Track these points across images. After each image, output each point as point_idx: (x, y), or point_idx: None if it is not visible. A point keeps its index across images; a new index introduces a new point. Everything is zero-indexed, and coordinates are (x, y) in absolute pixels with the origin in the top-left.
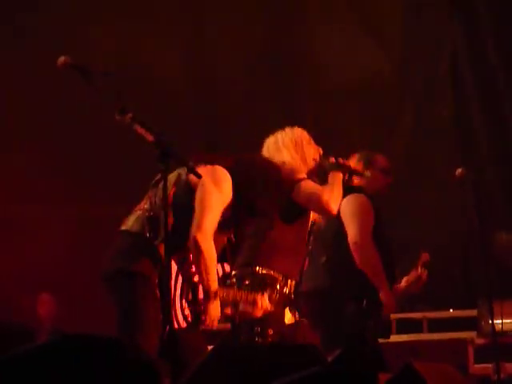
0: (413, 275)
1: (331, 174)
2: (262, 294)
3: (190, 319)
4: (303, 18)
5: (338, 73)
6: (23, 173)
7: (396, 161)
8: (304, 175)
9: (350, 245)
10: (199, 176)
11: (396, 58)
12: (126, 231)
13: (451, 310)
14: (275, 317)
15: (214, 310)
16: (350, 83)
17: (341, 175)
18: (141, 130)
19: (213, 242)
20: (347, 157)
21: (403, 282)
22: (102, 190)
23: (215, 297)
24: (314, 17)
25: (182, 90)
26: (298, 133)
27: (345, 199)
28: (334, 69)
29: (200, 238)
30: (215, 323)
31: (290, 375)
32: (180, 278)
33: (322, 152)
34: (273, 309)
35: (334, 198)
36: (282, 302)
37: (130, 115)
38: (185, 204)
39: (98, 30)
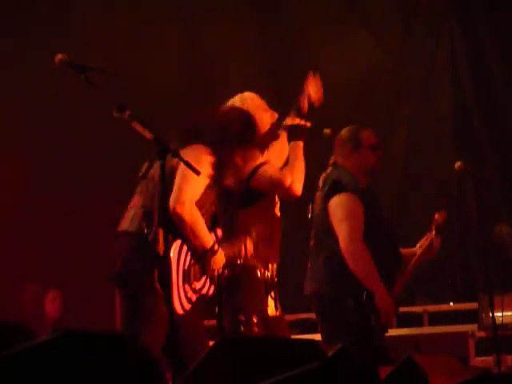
0: (426, 239)
1: (291, 144)
2: None
3: (194, 300)
4: (302, 17)
5: (337, 68)
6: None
7: (395, 155)
8: (261, 160)
9: (342, 251)
10: (198, 173)
11: (395, 53)
12: (126, 232)
13: (451, 304)
14: (258, 304)
15: (218, 258)
16: (349, 77)
17: (301, 144)
18: (139, 128)
19: (195, 210)
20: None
21: (417, 247)
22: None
23: (214, 251)
24: (313, 15)
25: (180, 90)
26: (249, 100)
27: (332, 201)
28: (333, 63)
29: (179, 208)
30: (220, 270)
31: (290, 370)
32: (180, 264)
33: (277, 116)
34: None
35: (297, 178)
36: (263, 289)
37: (128, 112)
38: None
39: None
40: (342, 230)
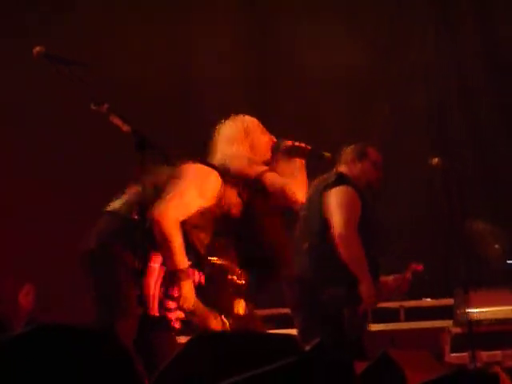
0: (400, 278)
1: (292, 161)
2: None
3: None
4: (287, 12)
5: (315, 63)
6: None
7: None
8: (264, 167)
9: (335, 236)
10: (176, 164)
11: (373, 49)
12: (113, 212)
13: (428, 300)
14: (230, 306)
15: (187, 289)
16: (326, 74)
17: (302, 161)
18: (117, 121)
19: (177, 227)
20: (335, 149)
21: (392, 280)
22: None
23: (186, 277)
24: (289, 14)
25: (168, 90)
26: (248, 123)
27: (333, 190)
28: (312, 59)
29: (162, 220)
30: (189, 304)
31: (267, 364)
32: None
33: (275, 140)
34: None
35: (299, 187)
36: (235, 291)
37: (106, 106)
38: None
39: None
40: (337, 215)
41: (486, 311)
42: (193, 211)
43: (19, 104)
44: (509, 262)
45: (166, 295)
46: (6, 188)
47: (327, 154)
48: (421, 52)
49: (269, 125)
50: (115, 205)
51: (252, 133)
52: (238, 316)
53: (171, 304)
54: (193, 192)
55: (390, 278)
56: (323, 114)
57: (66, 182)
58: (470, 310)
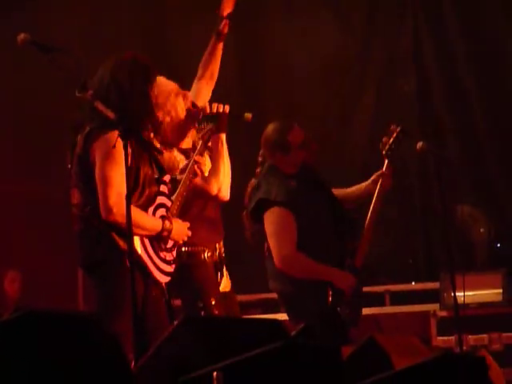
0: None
1: (212, 140)
2: None
3: (172, 259)
4: (267, 4)
5: (300, 50)
6: None
7: (359, 136)
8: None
9: (276, 265)
10: (160, 152)
11: (358, 34)
12: (80, 231)
13: (413, 283)
14: (212, 286)
15: (177, 232)
16: (312, 60)
17: (222, 137)
18: (101, 107)
19: (124, 208)
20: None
21: (370, 184)
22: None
23: (169, 229)
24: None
25: None
26: (162, 86)
27: (264, 216)
28: (296, 49)
29: (111, 217)
30: (184, 238)
31: (254, 348)
32: (145, 239)
33: (191, 100)
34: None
35: (224, 182)
36: (214, 270)
37: (90, 92)
38: None
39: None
40: (274, 247)
41: (472, 295)
42: (123, 181)
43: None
44: (497, 245)
45: (160, 253)
46: None
47: (248, 115)
48: (401, 40)
49: (255, 113)
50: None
51: (165, 96)
52: (221, 294)
53: (169, 256)
54: (109, 170)
55: (369, 181)
56: (310, 102)
57: (47, 167)
58: (456, 294)
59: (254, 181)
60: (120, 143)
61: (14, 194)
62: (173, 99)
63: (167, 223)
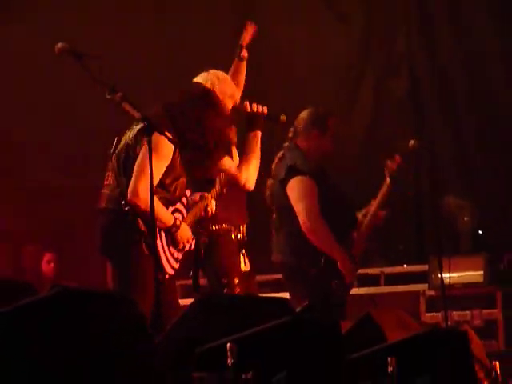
0: (382, 189)
1: (249, 134)
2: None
3: (180, 259)
4: (273, 7)
5: (301, 49)
6: None
7: (356, 133)
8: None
9: (302, 226)
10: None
11: (357, 36)
12: (106, 209)
13: (405, 266)
14: (237, 265)
15: (183, 233)
16: (312, 60)
17: (258, 134)
18: (128, 108)
19: (147, 199)
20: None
21: (367, 223)
22: None
23: (178, 226)
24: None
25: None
26: (210, 75)
27: (290, 184)
28: (297, 46)
29: (135, 199)
30: (190, 242)
31: (262, 324)
32: (162, 232)
33: (238, 95)
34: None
35: (251, 174)
36: (238, 250)
37: (119, 94)
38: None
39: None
40: (300, 210)
41: (457, 276)
42: (159, 174)
43: None
44: (480, 232)
45: (171, 248)
46: (21, 160)
47: (283, 117)
48: (396, 42)
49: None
50: (102, 202)
51: (213, 83)
52: (243, 272)
53: (177, 254)
54: (150, 161)
55: (361, 214)
56: (309, 99)
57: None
58: (443, 275)
59: (280, 153)
60: (169, 144)
61: (59, 187)
62: (226, 100)
63: (178, 221)
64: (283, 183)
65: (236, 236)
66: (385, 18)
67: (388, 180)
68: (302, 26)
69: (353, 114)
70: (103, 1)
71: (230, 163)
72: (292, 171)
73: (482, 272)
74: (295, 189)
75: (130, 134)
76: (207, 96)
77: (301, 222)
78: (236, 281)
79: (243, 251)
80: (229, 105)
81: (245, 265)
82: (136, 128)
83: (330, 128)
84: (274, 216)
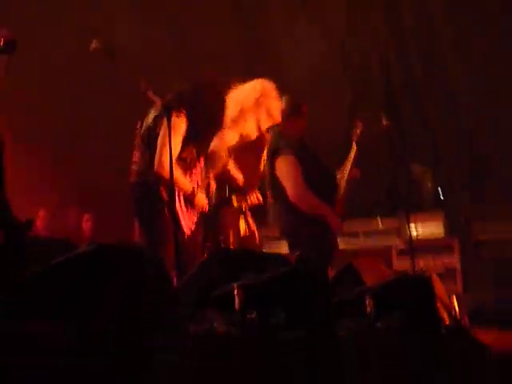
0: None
1: None
2: None
3: (196, 220)
4: (266, 14)
5: (291, 59)
6: None
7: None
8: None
9: (290, 199)
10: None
11: (337, 46)
12: (135, 183)
13: (379, 218)
14: (233, 227)
15: (199, 200)
16: (301, 66)
17: None
18: (152, 95)
19: (167, 170)
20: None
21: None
22: None
23: (194, 194)
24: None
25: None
26: (266, 90)
27: (276, 162)
28: (288, 55)
29: (161, 170)
30: (205, 207)
31: (265, 273)
32: (181, 196)
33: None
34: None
35: None
36: (238, 213)
37: (143, 84)
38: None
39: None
40: (287, 183)
41: (422, 230)
42: (178, 148)
43: None
44: (441, 197)
45: (190, 211)
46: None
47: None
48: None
49: None
50: (133, 177)
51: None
52: (241, 237)
53: (194, 217)
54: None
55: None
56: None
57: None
58: (410, 229)
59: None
60: (184, 122)
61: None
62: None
63: (195, 189)
64: (271, 159)
65: (239, 201)
66: (361, 27)
67: (354, 145)
68: (288, 35)
69: (333, 110)
70: None
71: (238, 175)
72: (275, 153)
73: (442, 227)
74: (280, 168)
75: (149, 118)
76: (212, 86)
77: (289, 194)
78: (231, 239)
79: (246, 217)
80: (263, 119)
81: (247, 230)
82: (154, 112)
83: (303, 112)
84: (268, 192)
